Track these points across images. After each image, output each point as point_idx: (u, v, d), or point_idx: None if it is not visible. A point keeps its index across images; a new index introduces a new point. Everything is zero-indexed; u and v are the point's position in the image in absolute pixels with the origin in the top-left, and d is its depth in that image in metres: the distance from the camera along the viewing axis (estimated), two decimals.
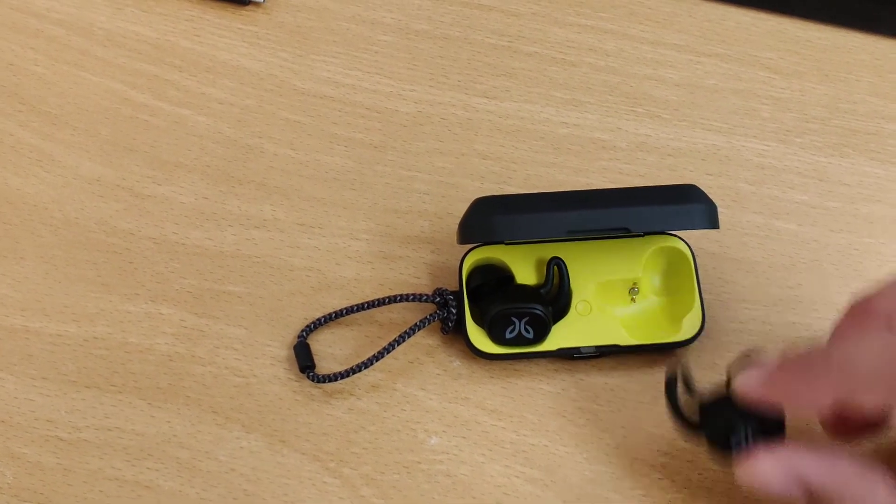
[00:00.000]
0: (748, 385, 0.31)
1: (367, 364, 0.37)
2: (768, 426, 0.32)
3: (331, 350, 0.38)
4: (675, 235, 0.39)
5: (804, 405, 0.31)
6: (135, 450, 0.36)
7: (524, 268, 0.38)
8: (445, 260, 0.40)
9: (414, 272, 0.40)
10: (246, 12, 0.46)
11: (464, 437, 0.37)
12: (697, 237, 0.40)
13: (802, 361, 0.30)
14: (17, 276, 0.40)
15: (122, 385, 0.37)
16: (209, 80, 0.44)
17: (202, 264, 0.40)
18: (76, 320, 0.39)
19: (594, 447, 0.37)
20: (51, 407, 0.37)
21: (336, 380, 0.37)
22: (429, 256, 0.40)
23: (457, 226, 0.37)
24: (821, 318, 0.39)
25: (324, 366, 0.38)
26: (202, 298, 0.39)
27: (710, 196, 0.36)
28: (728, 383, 0.32)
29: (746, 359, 0.32)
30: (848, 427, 0.33)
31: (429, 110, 0.44)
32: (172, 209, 0.41)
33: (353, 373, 0.37)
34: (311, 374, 0.37)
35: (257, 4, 0.46)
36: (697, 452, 0.36)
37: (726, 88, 0.45)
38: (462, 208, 0.39)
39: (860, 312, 0.31)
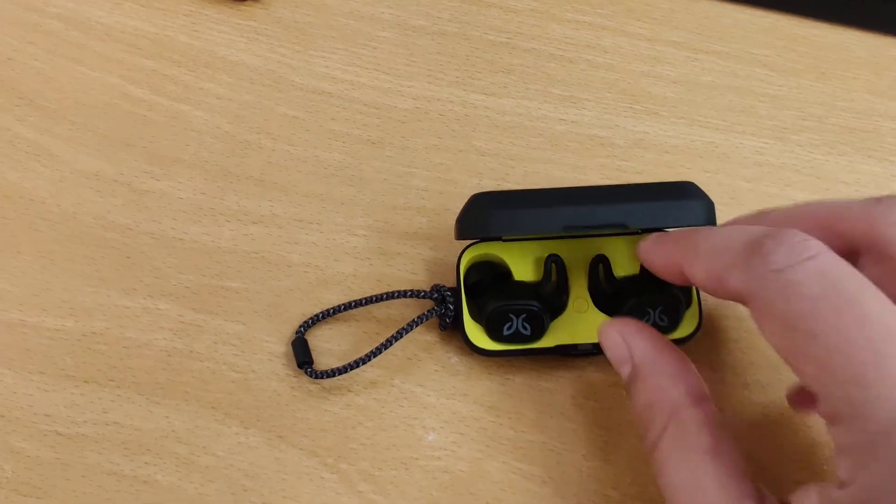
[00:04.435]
0: (641, 247, 0.35)
1: (364, 360, 0.37)
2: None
3: (328, 346, 0.38)
4: None
5: (675, 272, 0.33)
6: (133, 444, 0.36)
7: (522, 265, 0.38)
8: (443, 256, 0.40)
9: (412, 268, 0.40)
10: (244, 8, 0.46)
11: (462, 434, 0.37)
12: None
13: (685, 235, 0.33)
14: (15, 270, 0.39)
15: (121, 380, 0.37)
16: (207, 75, 0.44)
17: (200, 260, 0.40)
18: (74, 315, 0.39)
19: (592, 444, 0.37)
20: (49, 401, 0.37)
21: (334, 375, 0.37)
22: (427, 253, 0.40)
23: (454, 222, 0.37)
24: None
25: (322, 361, 0.38)
26: (200, 294, 0.39)
27: (709, 193, 0.36)
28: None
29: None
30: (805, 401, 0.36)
31: (427, 106, 0.44)
32: (171, 204, 0.41)
33: (352, 368, 0.37)
34: (309, 369, 0.37)
35: (255, 0, 0.46)
36: None
37: (724, 86, 0.45)
38: (460, 205, 0.39)
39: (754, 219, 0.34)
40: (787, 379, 0.38)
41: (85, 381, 0.37)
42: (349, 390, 0.38)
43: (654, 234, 0.36)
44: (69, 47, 0.45)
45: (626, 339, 0.34)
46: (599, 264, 0.38)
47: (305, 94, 0.44)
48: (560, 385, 0.38)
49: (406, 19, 0.46)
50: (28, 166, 0.42)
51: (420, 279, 0.40)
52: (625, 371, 0.34)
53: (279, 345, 0.38)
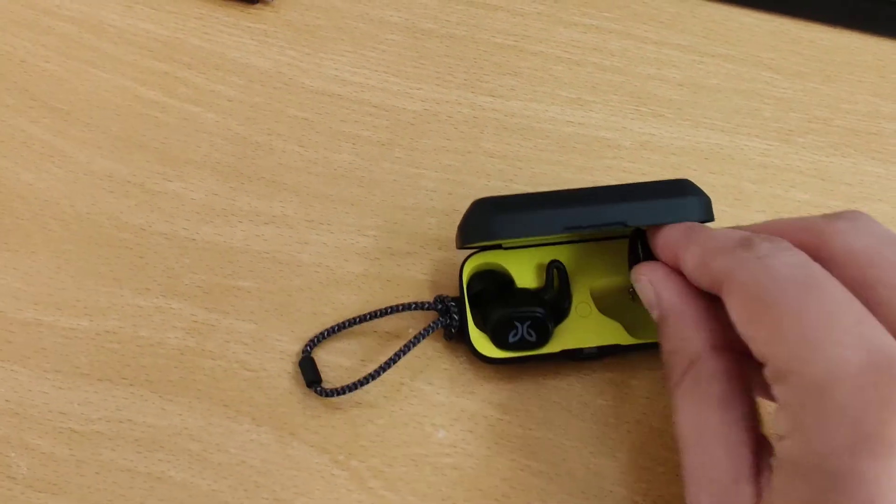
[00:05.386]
0: (651, 234, 0.36)
1: (373, 376, 0.37)
2: None
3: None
4: None
5: (670, 253, 0.35)
6: (147, 442, 0.37)
7: (524, 272, 0.38)
8: (452, 256, 0.41)
9: (421, 268, 0.40)
10: (255, 11, 0.47)
11: (471, 431, 0.37)
12: None
13: (695, 227, 0.35)
14: (30, 270, 0.40)
15: (134, 378, 0.38)
16: (219, 77, 0.45)
17: (212, 260, 0.40)
18: (88, 314, 0.39)
19: (599, 441, 0.37)
20: (64, 399, 0.38)
21: (343, 393, 0.37)
22: (436, 253, 0.41)
23: (456, 230, 0.37)
24: None
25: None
26: (212, 293, 0.40)
27: (714, 194, 0.37)
28: None
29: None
30: None
31: (435, 108, 0.45)
32: (183, 205, 0.42)
33: (361, 385, 0.37)
34: (318, 388, 0.37)
35: (266, 3, 0.47)
36: None
37: (729, 88, 0.46)
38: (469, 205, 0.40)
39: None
40: None
41: (99, 380, 0.38)
42: (359, 388, 0.38)
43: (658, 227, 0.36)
44: (82, 50, 0.46)
45: (654, 286, 0.35)
46: (638, 240, 0.37)
47: (315, 97, 0.45)
48: (567, 383, 0.38)
49: (415, 22, 0.47)
50: (42, 167, 0.42)
51: (429, 278, 0.40)
52: (654, 314, 0.35)
53: (290, 344, 0.39)
